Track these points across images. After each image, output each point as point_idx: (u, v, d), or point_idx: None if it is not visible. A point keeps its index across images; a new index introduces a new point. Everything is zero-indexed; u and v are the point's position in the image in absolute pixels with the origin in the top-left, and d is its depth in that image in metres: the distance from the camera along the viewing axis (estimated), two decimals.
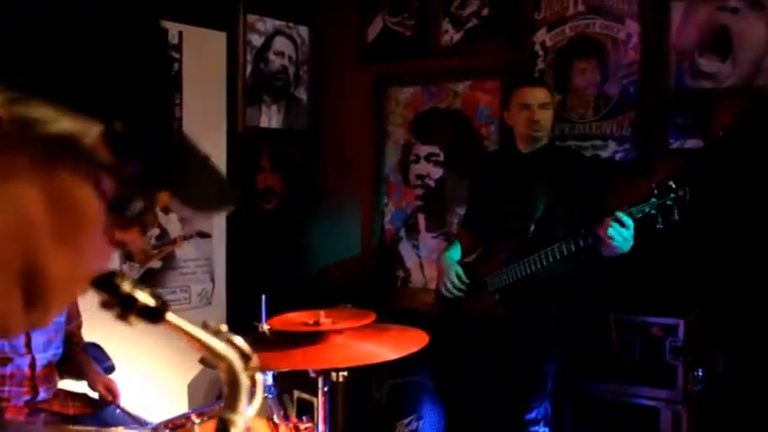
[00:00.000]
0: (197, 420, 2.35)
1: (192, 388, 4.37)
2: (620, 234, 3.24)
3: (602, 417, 3.77)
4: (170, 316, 0.89)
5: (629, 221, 3.25)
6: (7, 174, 0.64)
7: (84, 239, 0.70)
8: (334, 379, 3.29)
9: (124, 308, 0.82)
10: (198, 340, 0.93)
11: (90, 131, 0.66)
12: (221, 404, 0.96)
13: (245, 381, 0.95)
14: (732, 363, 3.76)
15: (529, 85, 3.79)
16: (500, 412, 3.78)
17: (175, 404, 4.13)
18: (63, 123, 0.64)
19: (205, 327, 0.94)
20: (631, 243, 3.30)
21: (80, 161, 0.66)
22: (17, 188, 0.64)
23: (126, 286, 0.82)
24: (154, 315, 0.86)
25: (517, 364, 3.65)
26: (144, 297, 0.84)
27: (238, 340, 0.96)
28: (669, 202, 3.25)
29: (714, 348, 3.73)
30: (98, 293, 0.81)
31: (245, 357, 0.96)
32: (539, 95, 3.71)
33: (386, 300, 4.79)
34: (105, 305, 0.81)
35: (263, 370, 2.69)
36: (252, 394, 0.96)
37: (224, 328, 0.96)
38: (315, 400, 2.69)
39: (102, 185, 0.69)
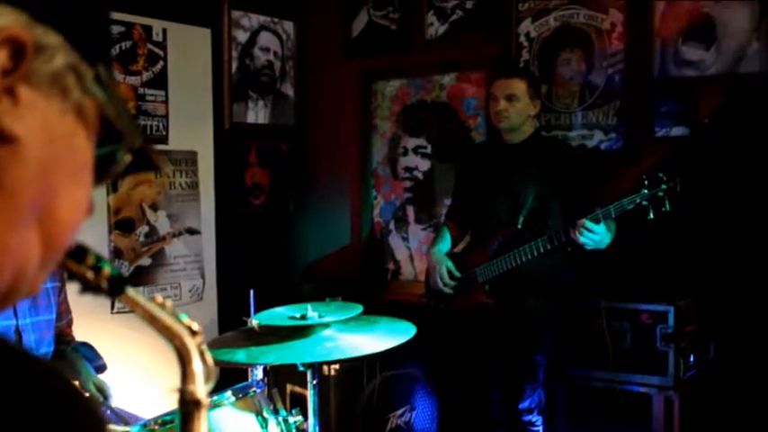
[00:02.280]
0: None
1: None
2: (592, 238, 3.31)
3: (594, 404, 3.80)
4: (131, 290, 0.92)
5: (594, 227, 3.30)
6: (41, 99, 0.62)
7: (84, 185, 0.68)
8: (326, 372, 3.31)
9: (94, 277, 0.84)
10: (152, 316, 0.97)
11: (86, 71, 0.65)
12: (179, 380, 1.00)
13: (196, 354, 0.99)
14: (723, 349, 3.78)
15: (501, 77, 3.79)
16: (493, 402, 3.80)
17: (168, 402, 4.13)
18: (69, 55, 0.63)
19: (153, 300, 0.98)
20: (608, 239, 3.36)
21: (83, 99, 0.65)
22: (48, 120, 0.63)
23: (92, 258, 0.84)
24: (118, 288, 0.87)
25: (509, 354, 3.66)
26: (110, 269, 0.86)
27: (183, 316, 1.00)
28: (660, 194, 3.27)
29: (705, 335, 3.74)
30: (66, 264, 0.82)
31: (192, 333, 1.00)
32: (507, 86, 3.71)
33: (376, 292, 4.80)
34: (72, 275, 0.83)
35: (253, 365, 2.70)
36: (205, 367, 1.00)
37: (169, 303, 0.99)
38: (307, 393, 2.70)
39: (94, 136, 0.68)
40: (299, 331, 2.55)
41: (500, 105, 3.68)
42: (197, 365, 0.99)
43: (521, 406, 3.62)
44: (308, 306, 2.59)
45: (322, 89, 5.21)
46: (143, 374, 3.86)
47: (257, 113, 4.99)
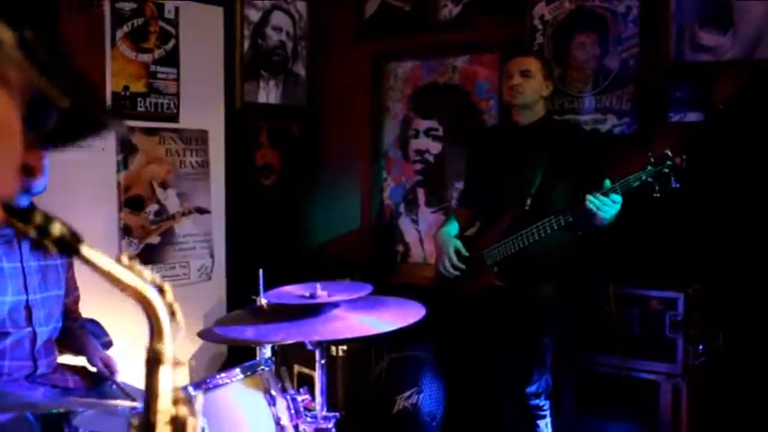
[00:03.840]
0: (194, 392, 2.35)
1: (193, 362, 4.38)
2: (604, 210, 3.27)
3: (602, 390, 3.79)
4: (85, 249, 0.90)
5: (605, 199, 3.27)
6: None
7: (6, 147, 0.69)
8: (334, 353, 3.31)
9: (39, 237, 0.84)
10: (112, 275, 0.94)
11: (7, 37, 0.65)
12: (149, 339, 0.99)
13: (163, 312, 0.98)
14: (732, 337, 3.77)
15: (516, 56, 3.80)
16: (500, 385, 3.79)
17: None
18: None
19: (118, 261, 0.95)
20: (612, 213, 3.31)
21: (2, 65, 0.66)
22: None
23: (38, 218, 0.84)
24: (68, 247, 0.87)
25: (517, 337, 3.65)
26: (58, 229, 0.85)
27: (149, 274, 0.98)
28: (666, 170, 3.25)
29: (714, 322, 3.73)
30: (12, 223, 0.82)
31: (160, 290, 0.98)
32: (522, 63, 3.71)
33: (385, 275, 4.79)
34: (19, 233, 0.83)
35: (261, 343, 2.70)
36: (175, 324, 0.99)
37: (135, 262, 0.96)
38: (314, 373, 2.70)
39: (18, 97, 0.68)
40: (308, 310, 2.54)
41: (514, 80, 3.68)
42: (165, 324, 0.98)
43: (528, 390, 3.61)
44: (318, 285, 2.58)
45: (334, 70, 5.19)
46: (181, 366, 3.87)
47: (268, 93, 4.97)
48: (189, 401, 1.01)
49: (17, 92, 0.67)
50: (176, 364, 1.01)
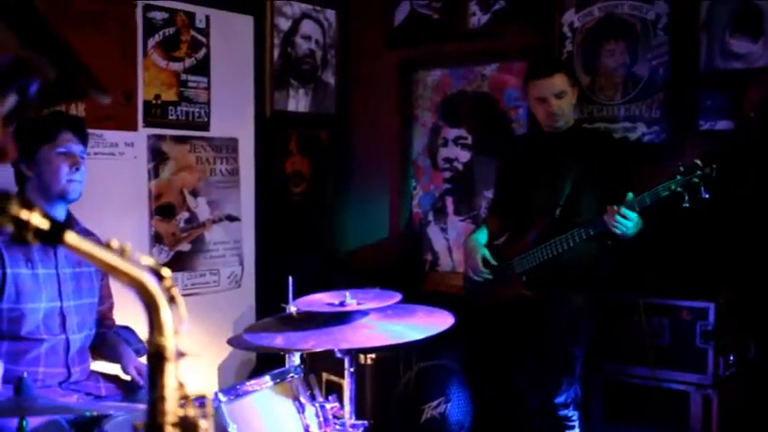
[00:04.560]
0: (223, 399, 2.37)
1: (223, 369, 4.40)
2: (625, 225, 3.27)
3: (631, 401, 3.76)
4: (69, 237, 0.85)
5: (629, 213, 3.27)
6: None
7: None
8: (362, 361, 3.32)
9: (18, 229, 0.80)
10: (106, 263, 0.88)
11: None
12: (148, 331, 0.91)
13: (161, 299, 0.90)
14: (763, 347, 3.73)
15: (542, 77, 3.69)
16: (529, 396, 3.78)
17: (206, 385, 4.17)
18: None
19: (108, 247, 0.89)
20: (636, 229, 3.31)
21: None
22: None
23: (14, 208, 0.79)
24: (51, 236, 0.83)
25: (546, 347, 3.64)
26: (37, 219, 0.81)
27: (147, 259, 0.91)
28: (695, 180, 3.23)
29: (745, 332, 3.69)
30: None
31: (158, 276, 0.91)
32: (553, 85, 3.65)
33: (414, 283, 4.79)
34: None
35: (290, 350, 2.71)
36: (176, 314, 0.91)
37: (128, 247, 0.90)
38: (343, 381, 2.71)
39: None
40: (337, 318, 2.55)
41: (553, 107, 3.63)
42: (165, 314, 0.90)
43: (557, 400, 3.59)
44: (347, 293, 2.59)
45: (363, 78, 5.20)
46: (184, 359, 3.89)
47: (298, 102, 5.00)
48: (198, 401, 0.94)
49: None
50: (180, 356, 0.93)
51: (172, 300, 0.91)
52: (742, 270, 3.71)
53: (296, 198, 5.02)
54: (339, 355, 2.64)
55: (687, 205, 3.24)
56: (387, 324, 2.56)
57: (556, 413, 3.61)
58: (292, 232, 4.96)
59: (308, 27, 5.03)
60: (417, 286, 4.78)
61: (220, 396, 2.37)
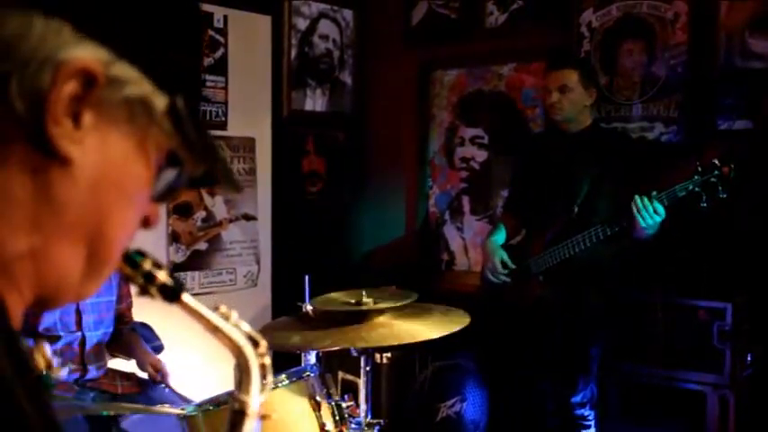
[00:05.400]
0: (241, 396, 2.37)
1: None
2: (654, 219, 3.24)
3: (648, 400, 3.75)
4: (186, 297, 0.94)
5: (660, 208, 3.24)
6: (104, 125, 0.65)
7: (136, 206, 0.71)
8: (378, 360, 3.32)
9: (145, 283, 0.88)
10: (211, 324, 0.98)
11: (159, 101, 0.68)
12: (235, 388, 1.01)
13: (254, 365, 1.00)
14: None
15: (553, 69, 3.74)
16: (545, 394, 3.77)
17: (223, 385, 4.18)
18: (143, 86, 0.67)
19: (216, 310, 0.99)
20: (655, 228, 3.29)
21: (149, 127, 0.68)
22: (108, 145, 0.66)
23: (147, 264, 0.87)
24: (171, 294, 0.90)
25: (562, 347, 3.63)
26: (163, 276, 0.88)
27: (246, 326, 1.01)
28: (713, 179, 3.21)
29: (763, 332, 3.67)
30: (122, 268, 0.85)
31: (254, 343, 1.01)
32: (558, 78, 3.66)
33: (430, 282, 4.79)
34: (128, 279, 0.87)
35: (307, 349, 2.72)
36: (263, 378, 1.01)
37: (234, 314, 1.00)
38: (359, 380, 2.71)
39: (156, 155, 0.71)
40: (354, 317, 2.56)
41: (553, 98, 3.65)
42: (255, 377, 1.01)
43: (573, 399, 3.59)
44: (363, 292, 2.59)
45: (380, 78, 5.21)
46: (199, 356, 3.91)
47: (315, 101, 5.01)
48: None
49: (155, 155, 0.71)
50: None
51: (262, 366, 1.02)
52: (759, 270, 3.69)
53: (312, 197, 5.03)
54: (355, 354, 2.64)
55: (705, 205, 3.23)
56: (403, 323, 2.57)
57: (572, 412, 3.61)
58: (309, 231, 4.97)
59: (325, 27, 5.04)
60: (433, 285, 4.78)
61: (235, 393, 2.37)
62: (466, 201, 4.91)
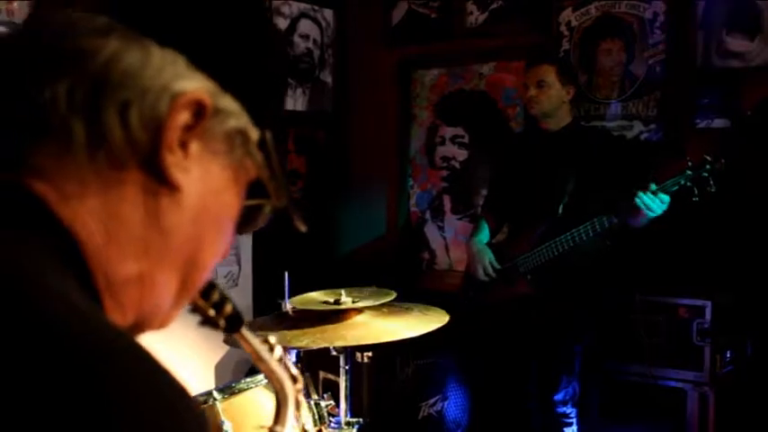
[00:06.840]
0: (218, 396, 2.37)
1: (219, 368, 4.40)
2: (660, 207, 3.25)
3: (628, 398, 3.77)
4: (244, 329, 0.97)
5: (665, 197, 3.26)
6: (207, 154, 0.68)
7: (225, 235, 0.74)
8: (359, 359, 3.32)
9: (215, 315, 0.88)
10: (260, 357, 1.03)
11: (253, 134, 0.71)
12: (272, 419, 1.06)
13: (291, 398, 1.06)
14: (760, 344, 3.73)
15: (532, 65, 3.77)
16: (527, 392, 3.78)
17: (203, 385, 4.17)
18: (242, 119, 0.70)
19: (265, 342, 1.04)
20: (660, 210, 3.29)
21: (244, 159, 0.71)
22: (209, 174, 0.69)
23: (216, 295, 0.88)
24: (236, 325, 0.92)
25: (545, 345, 3.64)
26: (230, 308, 0.90)
27: (289, 361, 1.07)
28: (705, 174, 3.24)
29: (742, 330, 3.69)
30: (196, 299, 0.86)
31: (293, 378, 1.07)
32: (537, 74, 3.69)
33: (411, 281, 4.80)
34: (195, 309, 0.87)
35: (287, 348, 2.71)
36: (297, 414, 1.07)
37: (279, 349, 1.06)
38: (339, 379, 2.71)
39: (245, 187, 0.74)
40: (333, 316, 2.56)
41: (531, 92, 3.68)
42: (290, 412, 1.05)
43: (555, 397, 3.60)
44: (342, 291, 2.59)
45: (361, 77, 5.21)
46: (178, 357, 3.89)
47: (295, 101, 5.00)
48: None
49: (244, 186, 0.74)
50: None
51: (297, 403, 1.07)
52: (738, 268, 3.72)
53: (292, 196, 5.01)
54: (335, 353, 2.64)
55: (696, 199, 3.25)
56: (382, 322, 2.57)
57: (554, 410, 3.61)
58: (289, 231, 4.94)
59: (305, 26, 5.03)
60: (414, 284, 4.79)
61: (215, 393, 2.37)
62: (447, 200, 4.91)
